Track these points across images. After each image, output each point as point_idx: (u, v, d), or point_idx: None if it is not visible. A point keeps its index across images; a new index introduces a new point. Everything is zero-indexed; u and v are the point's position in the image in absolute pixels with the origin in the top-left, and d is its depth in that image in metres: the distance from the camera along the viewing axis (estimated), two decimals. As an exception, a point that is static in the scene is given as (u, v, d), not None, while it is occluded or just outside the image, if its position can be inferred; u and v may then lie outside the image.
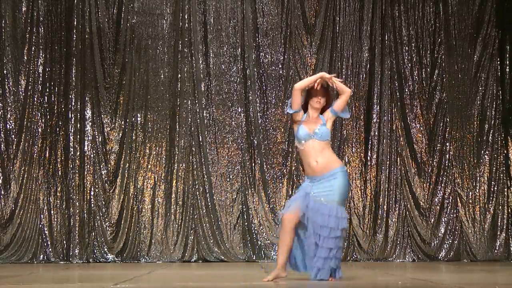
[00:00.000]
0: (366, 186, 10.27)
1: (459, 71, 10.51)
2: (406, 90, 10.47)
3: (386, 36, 10.50)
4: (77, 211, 9.97)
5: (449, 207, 10.25)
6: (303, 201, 6.05)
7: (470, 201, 10.29)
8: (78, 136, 10.13)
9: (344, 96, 6.18)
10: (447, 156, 10.35)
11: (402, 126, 10.39)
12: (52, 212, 9.98)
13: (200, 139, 10.22)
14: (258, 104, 10.33)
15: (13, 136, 10.06)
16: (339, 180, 6.04)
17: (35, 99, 10.13)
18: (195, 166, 10.17)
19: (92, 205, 10.04)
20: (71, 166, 10.07)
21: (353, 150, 10.34)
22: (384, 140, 10.34)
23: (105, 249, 9.98)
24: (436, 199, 10.29)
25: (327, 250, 5.92)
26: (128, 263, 9.85)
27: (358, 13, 10.51)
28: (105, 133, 10.23)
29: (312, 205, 5.99)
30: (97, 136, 10.19)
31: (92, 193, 10.07)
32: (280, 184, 10.25)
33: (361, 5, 10.52)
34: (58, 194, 10.03)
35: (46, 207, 9.97)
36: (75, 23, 10.28)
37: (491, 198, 10.32)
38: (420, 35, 10.54)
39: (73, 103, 10.18)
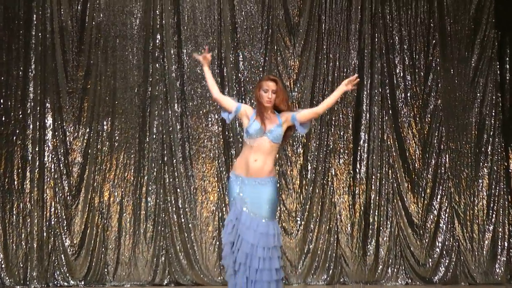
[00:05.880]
0: (355, 201, 10.05)
1: (455, 76, 10.34)
2: (398, 96, 10.27)
3: (376, 37, 10.29)
4: (35, 229, 9.59)
5: (445, 225, 10.07)
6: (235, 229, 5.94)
7: (468, 218, 10.13)
8: (37, 146, 9.75)
9: (315, 112, 6.18)
10: (443, 168, 10.18)
11: (393, 136, 10.20)
12: (7, 230, 9.58)
13: (173, 149, 9.91)
14: (236, 111, 10.01)
15: (-36, 146, 9.70)
16: (267, 189, 5.96)
17: (-10, 105, 9.76)
18: (167, 179, 9.87)
19: (53, 222, 9.66)
20: (29, 179, 9.69)
21: (341, 162, 10.10)
22: (375, 151, 10.13)
23: (67, 272, 9.60)
24: (431, 216, 10.09)
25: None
26: (93, 287, 9.55)
27: (346, 12, 10.30)
28: (68, 143, 9.86)
29: (243, 220, 5.89)
30: (58, 146, 9.81)
31: (52, 209, 9.68)
32: (260, 198, 9.96)
33: (349, 3, 10.29)
34: (14, 210, 9.63)
35: (0, 225, 9.58)
36: (35, 21, 9.88)
37: (490, 215, 10.17)
38: (413, 36, 10.37)
39: (32, 110, 9.80)
